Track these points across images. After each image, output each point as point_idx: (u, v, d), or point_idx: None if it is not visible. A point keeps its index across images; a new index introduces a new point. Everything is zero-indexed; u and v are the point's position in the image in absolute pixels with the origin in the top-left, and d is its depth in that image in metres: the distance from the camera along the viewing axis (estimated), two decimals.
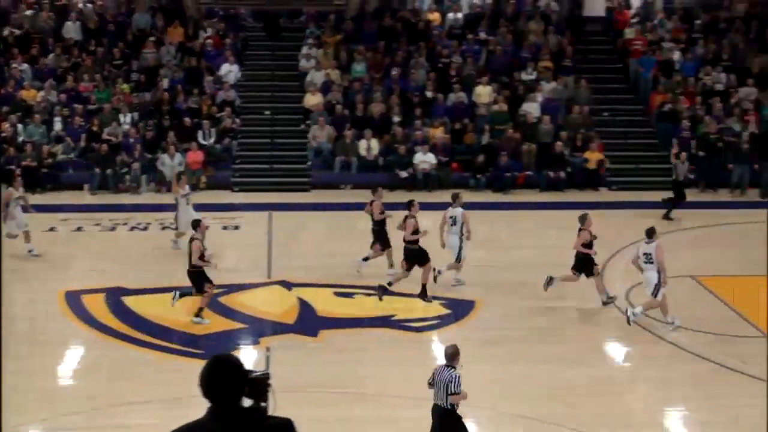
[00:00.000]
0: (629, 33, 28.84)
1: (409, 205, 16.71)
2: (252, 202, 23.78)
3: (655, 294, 15.06)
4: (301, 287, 16.99)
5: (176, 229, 19.17)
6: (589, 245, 16.19)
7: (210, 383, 4.17)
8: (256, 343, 14.89)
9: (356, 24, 29.08)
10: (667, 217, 22.01)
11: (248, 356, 14.02)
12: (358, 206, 23.25)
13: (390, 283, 16.40)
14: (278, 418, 4.37)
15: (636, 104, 28.00)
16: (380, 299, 16.26)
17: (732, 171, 24.94)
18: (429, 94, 26.85)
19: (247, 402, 4.29)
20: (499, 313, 16.25)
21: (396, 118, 26.09)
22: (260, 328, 15.41)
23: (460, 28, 29.21)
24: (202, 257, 15.04)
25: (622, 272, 18.39)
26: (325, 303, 16.41)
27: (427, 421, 10.40)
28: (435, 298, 16.64)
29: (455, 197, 17.48)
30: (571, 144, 25.51)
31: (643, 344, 15.09)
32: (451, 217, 17.20)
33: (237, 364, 4.25)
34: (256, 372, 4.43)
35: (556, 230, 20.82)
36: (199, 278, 15.18)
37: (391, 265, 17.56)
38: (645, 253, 15.19)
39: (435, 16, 29.66)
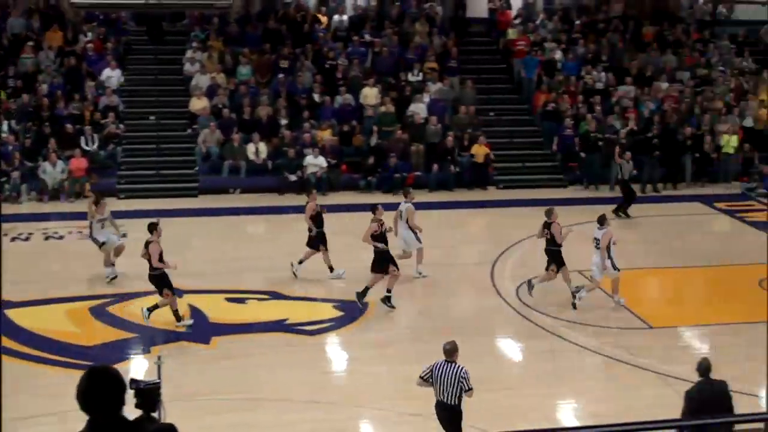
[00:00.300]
0: (512, 34, 29.29)
1: (373, 209, 16.73)
2: (139, 209, 23.30)
3: (615, 268, 16.05)
4: (192, 294, 16.72)
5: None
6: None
7: (87, 396, 4.06)
8: (147, 352, 14.58)
9: (241, 26, 28.79)
10: (625, 214, 22.55)
11: (139, 366, 13.72)
12: (248, 210, 23.17)
13: (389, 290, 16.33)
14: (160, 424, 4.28)
15: (520, 104, 28.47)
16: (391, 307, 16.21)
17: (612, 168, 25.52)
18: (316, 96, 26.75)
19: (137, 412, 4.18)
20: (392, 314, 16.29)
21: (283, 121, 25.92)
22: (151, 337, 15.09)
23: (345, 30, 29.21)
24: (161, 258, 14.97)
25: (512, 268, 18.70)
26: (217, 309, 16.19)
27: (324, 424, 10.35)
28: (328, 300, 16.61)
29: (406, 193, 18.31)
30: (459, 144, 25.75)
31: (534, 339, 15.33)
32: (400, 211, 17.81)
33: (114, 374, 4.15)
34: (146, 382, 4.32)
35: (446, 229, 21.05)
36: (161, 281, 15.12)
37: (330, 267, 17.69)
38: (594, 238, 16.08)
39: (323, 19, 29.53)
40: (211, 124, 25.43)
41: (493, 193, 25.11)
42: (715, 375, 9.78)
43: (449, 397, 10.10)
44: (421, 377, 10.36)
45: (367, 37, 28.54)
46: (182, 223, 22.68)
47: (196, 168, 25.38)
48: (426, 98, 26.73)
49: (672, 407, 10.19)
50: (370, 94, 26.62)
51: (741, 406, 9.86)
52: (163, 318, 15.51)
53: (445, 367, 10.18)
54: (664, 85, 28.19)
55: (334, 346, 15.23)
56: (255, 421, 12.02)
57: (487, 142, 25.83)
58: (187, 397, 11.94)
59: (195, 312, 15.91)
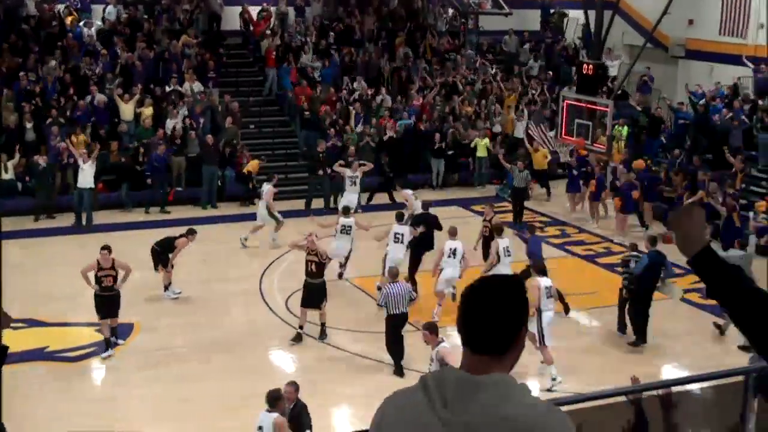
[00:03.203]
0: (267, 44, 29.07)
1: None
2: None
3: None
4: None
5: None
6: None
7: None
8: None
9: None
10: (517, 223, 22.89)
11: None
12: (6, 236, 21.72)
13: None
14: None
15: (280, 115, 28.46)
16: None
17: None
18: (68, 112, 25.37)
19: None
20: (159, 334, 15.89)
21: (31, 135, 24.28)
22: None
23: (97, 42, 27.89)
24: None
25: (279, 281, 18.68)
26: None
27: None
28: (89, 324, 15.92)
29: (346, 211, 19.13)
30: (220, 157, 25.23)
31: (303, 350, 15.36)
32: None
33: None
34: None
35: (214, 245, 20.69)
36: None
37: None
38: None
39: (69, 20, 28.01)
40: None
41: (258, 206, 24.88)
42: None
43: None
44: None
45: (120, 50, 27.45)
46: None
47: None
48: (185, 111, 26.09)
49: None
50: (126, 109, 25.65)
51: None
52: None
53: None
54: (418, 93, 28.98)
55: (100, 372, 14.66)
56: None
57: (249, 153, 25.58)
58: None
59: None
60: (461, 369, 2.65)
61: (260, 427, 10.54)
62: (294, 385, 11.43)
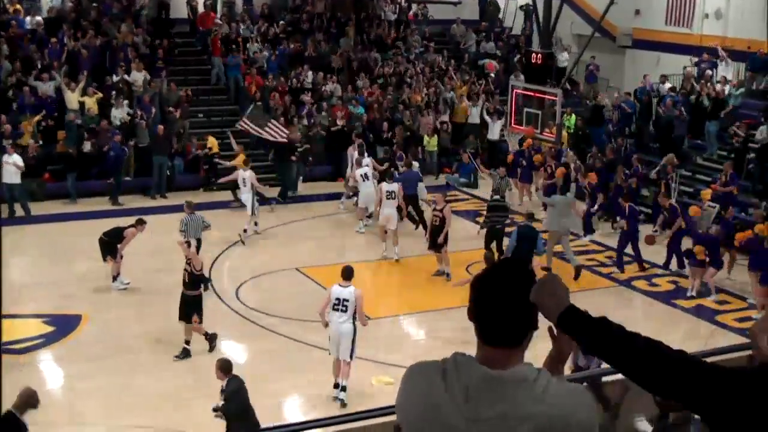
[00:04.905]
0: (215, 33, 28.76)
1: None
2: None
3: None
4: None
5: None
6: None
7: None
8: None
9: None
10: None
11: None
12: None
13: None
14: None
15: (229, 104, 28.24)
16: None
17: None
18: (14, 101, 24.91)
19: None
20: (108, 325, 15.72)
21: None
22: None
23: (42, 30, 27.39)
24: None
25: (229, 270, 18.58)
26: None
27: None
28: (36, 316, 15.74)
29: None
30: (168, 148, 25.00)
31: (253, 340, 15.30)
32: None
33: None
34: None
35: (160, 235, 20.47)
36: None
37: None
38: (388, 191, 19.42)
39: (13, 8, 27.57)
40: None
41: (212, 195, 24.69)
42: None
43: None
44: None
45: (66, 39, 26.99)
46: None
47: None
48: (134, 100, 25.72)
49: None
50: (72, 98, 25.25)
51: None
52: None
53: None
54: (367, 82, 28.92)
55: (48, 364, 14.49)
56: None
57: (200, 143, 25.40)
58: None
59: None
60: (480, 362, 2.61)
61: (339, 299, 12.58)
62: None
